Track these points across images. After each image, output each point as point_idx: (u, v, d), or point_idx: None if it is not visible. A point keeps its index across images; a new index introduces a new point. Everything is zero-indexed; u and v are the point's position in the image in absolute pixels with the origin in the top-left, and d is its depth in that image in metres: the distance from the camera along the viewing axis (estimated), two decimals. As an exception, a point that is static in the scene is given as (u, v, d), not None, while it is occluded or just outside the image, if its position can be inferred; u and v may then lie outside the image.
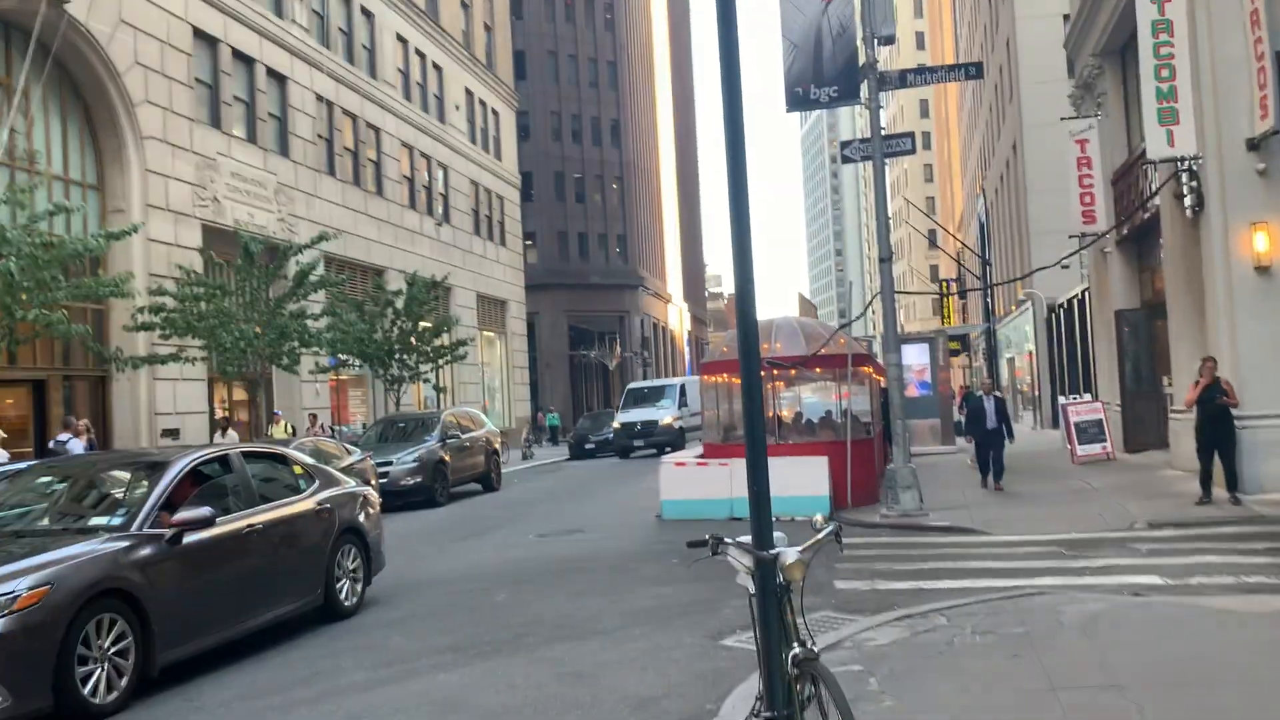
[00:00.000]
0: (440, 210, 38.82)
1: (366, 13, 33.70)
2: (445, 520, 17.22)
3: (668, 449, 28.81)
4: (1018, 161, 37.80)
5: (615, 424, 32.73)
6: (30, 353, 20.03)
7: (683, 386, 33.82)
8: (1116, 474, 17.68)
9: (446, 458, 20.48)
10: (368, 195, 32.95)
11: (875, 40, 13.44)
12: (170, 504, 7.23)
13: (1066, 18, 29.22)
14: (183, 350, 19.07)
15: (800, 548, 4.46)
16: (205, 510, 7.11)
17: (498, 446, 23.29)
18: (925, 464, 21.76)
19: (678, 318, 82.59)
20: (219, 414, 23.20)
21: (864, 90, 13.83)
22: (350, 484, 9.52)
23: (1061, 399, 25.06)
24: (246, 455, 8.43)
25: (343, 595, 8.96)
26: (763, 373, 16.89)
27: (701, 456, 16.12)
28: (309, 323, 20.29)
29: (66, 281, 14.32)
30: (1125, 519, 12.75)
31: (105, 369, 21.67)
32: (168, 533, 6.96)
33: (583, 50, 65.43)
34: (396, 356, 25.44)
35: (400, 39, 36.16)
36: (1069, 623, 7.31)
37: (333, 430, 21.88)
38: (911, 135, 14.57)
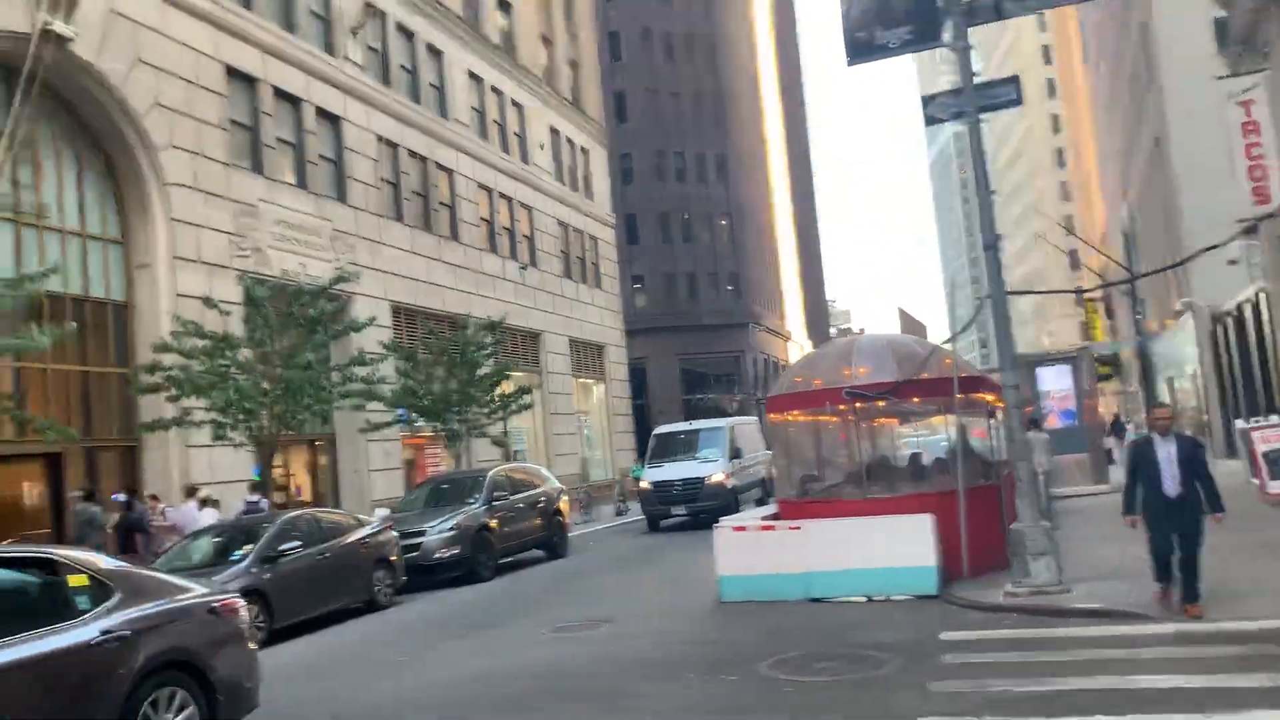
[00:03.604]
0: (525, 254, 36.55)
1: (434, 50, 31.86)
2: (469, 604, 14.33)
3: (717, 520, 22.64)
4: (1163, 157, 33.25)
5: (644, 484, 24.07)
6: (44, 423, 18.23)
7: (732, 429, 24.99)
8: (1328, 518, 13.55)
9: (493, 524, 17.64)
10: (441, 240, 30.83)
11: (958, -39, 10.17)
12: None
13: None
14: (187, 413, 16.86)
15: None
16: None
17: (562, 506, 20.33)
18: (1071, 509, 17.89)
19: (799, 355, 78.73)
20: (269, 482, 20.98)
21: (947, 30, 10.54)
22: (194, 592, 6.70)
23: (1239, 423, 20.65)
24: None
25: (154, 771, 6.00)
26: (841, 406, 13.62)
27: (768, 518, 12.77)
28: (331, 376, 17.85)
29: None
30: (1364, 589, 8.92)
31: (135, 439, 19.85)
32: None
33: (685, 87, 63.20)
34: (455, 410, 22.86)
35: (473, 76, 34.23)
36: None
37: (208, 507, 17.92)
38: (1015, 80, 11.11)
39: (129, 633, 6.04)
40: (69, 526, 18.47)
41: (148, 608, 6.27)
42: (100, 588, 6.17)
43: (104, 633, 5.94)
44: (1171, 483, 8.94)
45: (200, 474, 20.01)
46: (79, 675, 5.73)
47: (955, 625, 9.36)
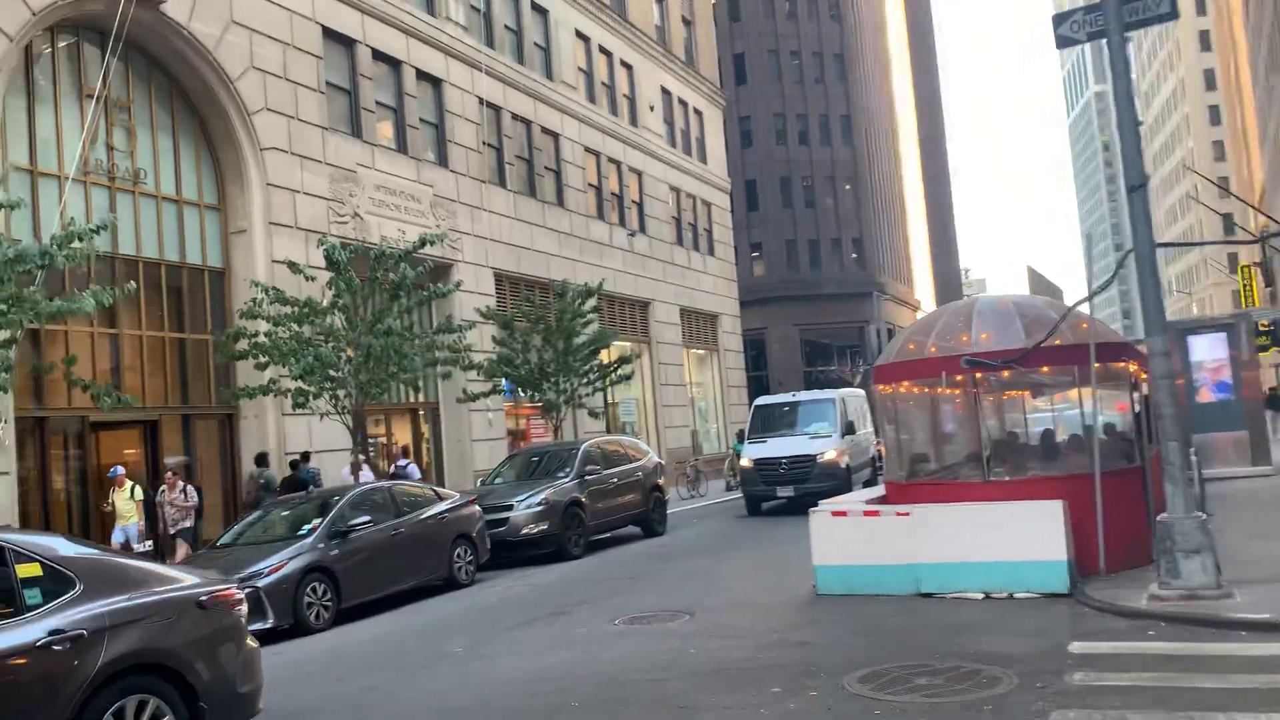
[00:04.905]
0: (634, 220, 35.48)
1: (539, 9, 30.95)
2: (550, 585, 13.44)
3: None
4: (1337, 102, 29.99)
5: (745, 461, 21.67)
6: (138, 389, 18.11)
7: (843, 401, 22.59)
8: None
9: (584, 499, 16.73)
10: (545, 206, 30.04)
11: None
12: None
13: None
14: (275, 382, 16.41)
15: None
16: None
17: (661, 482, 19.29)
18: (1224, 493, 15.92)
19: (927, 326, 75.66)
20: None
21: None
22: (181, 582, 5.87)
23: None
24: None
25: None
26: (959, 376, 12.12)
27: (873, 501, 11.41)
28: (416, 343, 17.11)
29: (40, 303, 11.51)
30: None
31: (233, 406, 19.64)
32: None
33: (806, 45, 60.98)
34: (551, 380, 22.02)
35: (581, 36, 33.22)
36: None
37: (197, 490, 16.77)
38: (1169, -13, 9.34)
39: (84, 632, 5.22)
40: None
41: (113, 602, 5.43)
42: (57, 579, 5.37)
43: (52, 632, 5.14)
44: None
45: (298, 442, 19.69)
46: (18, 683, 4.93)
47: (1088, 633, 7.92)
